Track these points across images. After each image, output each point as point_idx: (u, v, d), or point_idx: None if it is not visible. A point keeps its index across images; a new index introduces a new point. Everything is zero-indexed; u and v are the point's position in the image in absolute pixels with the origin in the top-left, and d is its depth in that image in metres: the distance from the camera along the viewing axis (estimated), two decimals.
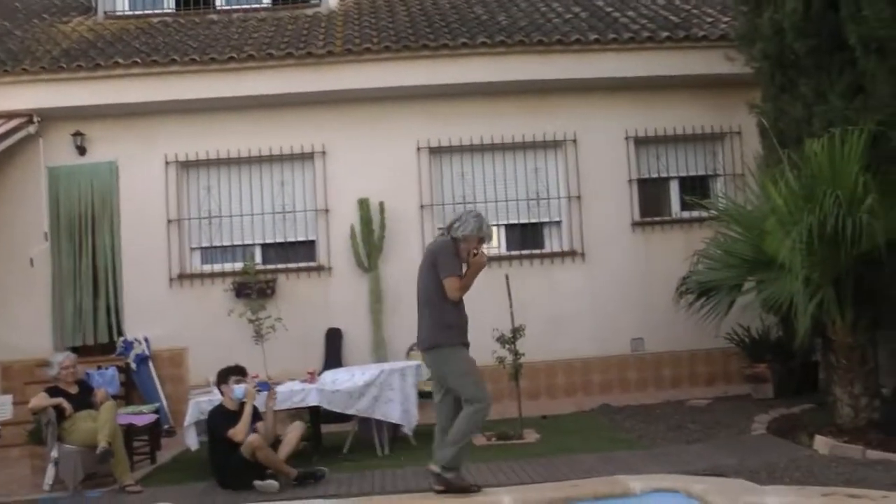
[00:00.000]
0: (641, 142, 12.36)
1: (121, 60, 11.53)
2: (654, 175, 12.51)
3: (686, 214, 12.26)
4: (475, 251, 6.88)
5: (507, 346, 9.63)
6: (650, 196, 12.49)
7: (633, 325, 11.94)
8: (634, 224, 12.18)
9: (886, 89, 8.36)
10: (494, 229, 12.08)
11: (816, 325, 8.55)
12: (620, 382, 11.98)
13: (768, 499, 5.97)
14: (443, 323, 6.77)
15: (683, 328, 10.82)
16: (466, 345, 6.88)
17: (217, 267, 11.97)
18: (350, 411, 9.13)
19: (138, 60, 11.53)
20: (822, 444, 7.93)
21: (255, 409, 8.32)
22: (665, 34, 11.95)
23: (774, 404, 10.30)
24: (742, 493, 6.14)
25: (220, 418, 8.26)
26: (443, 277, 6.75)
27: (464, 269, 6.86)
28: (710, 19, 12.63)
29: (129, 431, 9.10)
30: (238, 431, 8.05)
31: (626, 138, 12.23)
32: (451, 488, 6.62)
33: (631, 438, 9.21)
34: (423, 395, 9.93)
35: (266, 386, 8.63)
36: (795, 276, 7.88)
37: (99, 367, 11.09)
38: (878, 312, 8.61)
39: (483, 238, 6.97)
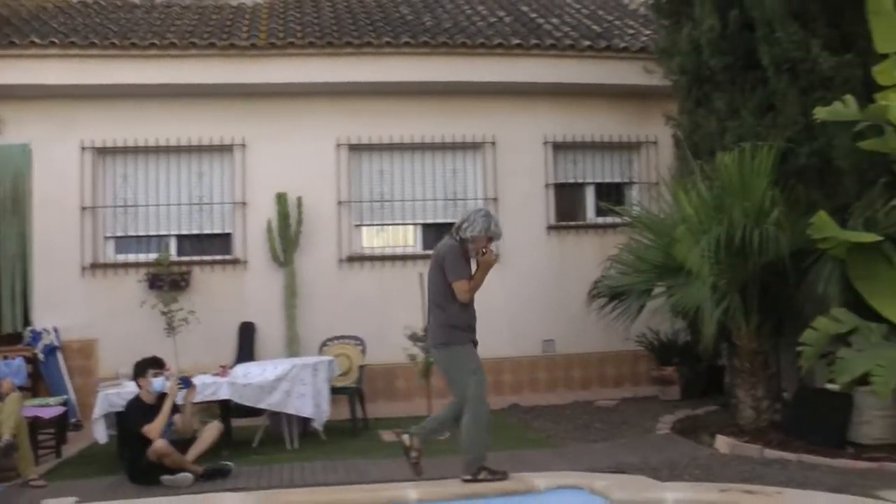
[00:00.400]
0: (559, 147, 12.56)
1: (37, 40, 11.23)
2: (571, 180, 12.71)
3: (601, 220, 12.50)
4: (484, 250, 6.89)
5: (419, 343, 9.71)
6: (566, 201, 12.68)
7: (546, 327, 12.11)
8: (550, 228, 12.36)
9: (795, 108, 8.72)
10: (411, 228, 12.25)
11: (723, 330, 8.88)
12: (531, 383, 12.15)
13: (667, 494, 6.17)
14: (451, 323, 6.83)
15: (594, 331, 11.03)
16: (475, 343, 6.95)
17: (131, 257, 11.75)
18: (261, 405, 9.11)
19: (55, 41, 11.24)
20: (723, 443, 8.23)
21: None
22: (587, 43, 12.15)
23: (680, 406, 10.64)
24: (642, 490, 6.35)
25: (137, 412, 8.09)
26: (451, 282, 6.80)
27: (473, 269, 6.92)
28: (631, 31, 12.89)
29: (35, 424, 8.86)
30: (153, 429, 7.88)
31: (545, 143, 12.41)
32: (489, 480, 6.68)
33: (539, 437, 9.38)
34: (335, 391, 9.95)
35: (187, 382, 8.48)
36: (703, 282, 8.19)
37: (5, 357, 10.75)
38: (781, 320, 8.96)
39: (492, 237, 6.99)
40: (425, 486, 6.69)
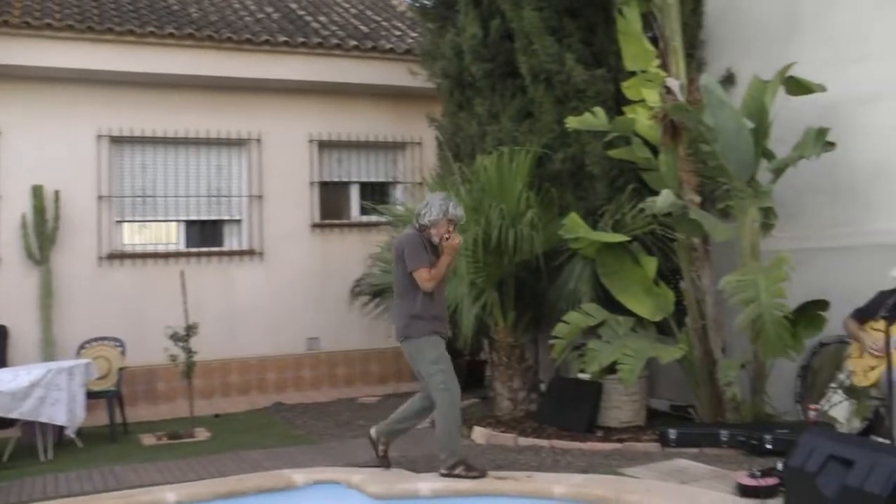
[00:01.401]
0: (325, 145, 12.62)
1: None
2: (336, 179, 12.81)
3: (365, 219, 12.66)
4: (447, 235, 6.73)
5: (180, 343, 9.52)
6: (331, 199, 12.76)
7: (310, 325, 12.15)
8: (314, 226, 12.40)
9: (551, 117, 9.17)
10: (174, 225, 11.96)
11: (482, 325, 9.19)
12: (295, 381, 12.15)
13: (421, 485, 6.43)
14: (413, 314, 6.69)
15: (358, 328, 11.23)
16: (441, 334, 6.82)
17: None
18: (13, 415, 8.52)
19: None
20: (479, 434, 8.55)
21: None
22: (353, 43, 12.27)
23: None
24: (398, 482, 6.55)
25: None
26: (411, 270, 6.65)
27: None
28: (398, 33, 13.13)
29: None
30: None
31: (311, 141, 12.44)
32: (464, 476, 6.58)
33: (301, 435, 9.40)
34: (93, 395, 9.56)
35: None
36: (461, 280, 8.49)
37: None
38: (538, 314, 9.37)
39: (454, 220, 6.82)
40: (185, 489, 6.63)
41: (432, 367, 6.69)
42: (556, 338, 8.28)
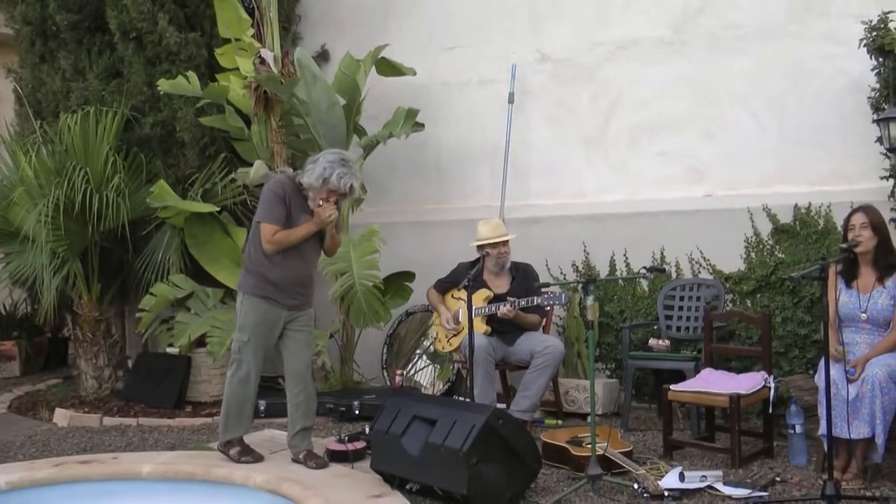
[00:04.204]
0: None
1: None
2: None
3: None
4: (321, 202, 5.54)
5: None
6: None
7: None
8: None
9: (141, 78, 8.80)
10: None
11: (64, 299, 8.73)
12: None
13: None
14: (247, 265, 5.74)
15: None
16: (270, 300, 5.69)
17: None
18: None
19: None
20: (61, 417, 8.10)
21: None
22: None
23: (21, 382, 10.12)
24: None
25: None
26: (257, 220, 5.64)
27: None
28: None
29: None
30: None
31: None
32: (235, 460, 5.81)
33: None
34: None
35: None
36: (41, 249, 7.99)
37: None
38: (125, 286, 9.06)
39: (335, 190, 5.56)
40: None
41: (237, 332, 5.89)
42: (143, 310, 8.11)
